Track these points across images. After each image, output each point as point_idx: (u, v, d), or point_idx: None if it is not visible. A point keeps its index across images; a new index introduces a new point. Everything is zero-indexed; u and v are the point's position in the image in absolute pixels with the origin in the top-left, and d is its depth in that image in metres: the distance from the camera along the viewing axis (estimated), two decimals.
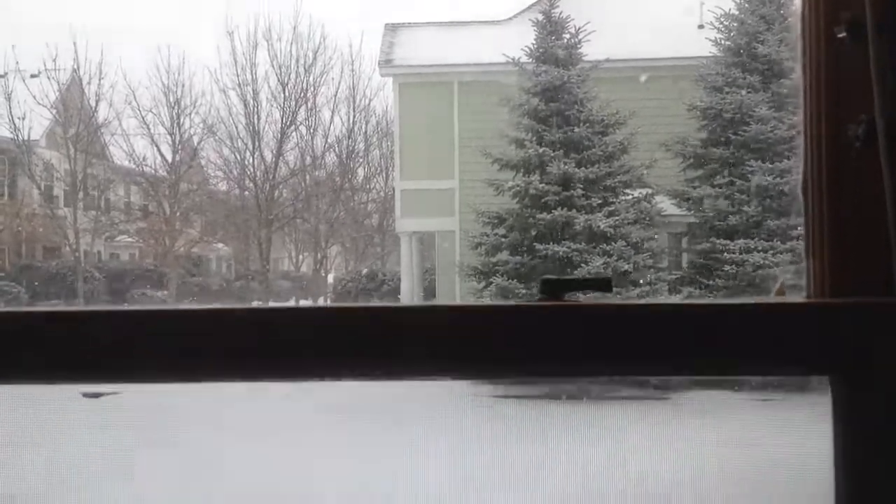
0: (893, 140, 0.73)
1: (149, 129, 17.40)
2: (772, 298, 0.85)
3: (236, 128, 18.32)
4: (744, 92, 12.43)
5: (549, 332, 0.81)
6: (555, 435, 9.04)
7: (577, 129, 12.72)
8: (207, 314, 0.84)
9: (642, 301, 0.72)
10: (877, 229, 0.78)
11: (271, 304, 18.30)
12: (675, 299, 12.17)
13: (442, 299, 15.74)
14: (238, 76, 18.12)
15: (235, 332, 0.82)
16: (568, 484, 6.63)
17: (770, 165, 11.92)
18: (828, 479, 0.85)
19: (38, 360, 0.82)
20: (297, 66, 18.33)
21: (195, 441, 9.42)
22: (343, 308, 0.86)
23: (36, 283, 15.68)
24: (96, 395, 11.60)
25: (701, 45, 13.28)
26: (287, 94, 18.40)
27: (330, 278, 20.47)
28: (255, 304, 19.12)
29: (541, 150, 12.69)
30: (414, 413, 10.88)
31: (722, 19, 13.26)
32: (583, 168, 12.44)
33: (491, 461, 8.02)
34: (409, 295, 16.84)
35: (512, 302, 0.89)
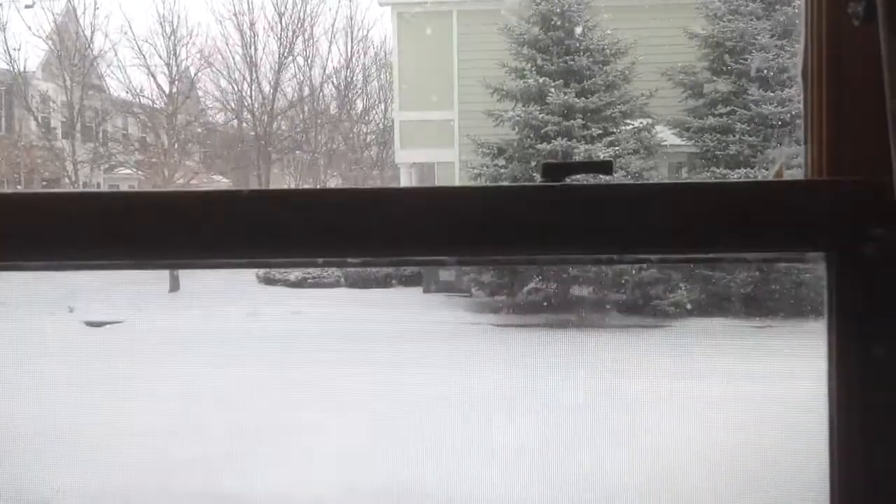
0: (894, 11, 0.74)
1: (145, 59, 17.22)
2: (770, 178, 0.86)
3: (233, 58, 18.14)
4: (746, 20, 12.30)
5: (551, 214, 0.83)
6: (554, 362, 9.13)
7: (577, 59, 12.60)
8: (218, 196, 0.85)
9: (644, 182, 0.73)
10: (874, 111, 0.79)
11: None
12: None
13: None
14: (234, 5, 17.89)
15: (242, 213, 0.83)
16: (564, 410, 6.72)
17: (772, 94, 11.84)
18: (822, 401, 0.87)
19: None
20: None
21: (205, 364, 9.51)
22: (347, 191, 0.87)
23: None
24: (98, 325, 11.71)
25: None
26: (284, 24, 18.17)
27: None
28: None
29: (541, 80, 12.59)
30: (415, 338, 10.98)
31: None
32: (583, 98, 12.35)
33: (488, 384, 8.11)
34: None
35: (514, 184, 0.90)
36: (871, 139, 0.80)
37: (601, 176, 0.84)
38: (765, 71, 11.91)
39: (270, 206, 0.85)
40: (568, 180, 0.84)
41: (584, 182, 0.83)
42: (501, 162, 12.88)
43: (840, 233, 0.82)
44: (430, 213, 0.85)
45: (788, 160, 0.84)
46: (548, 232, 0.85)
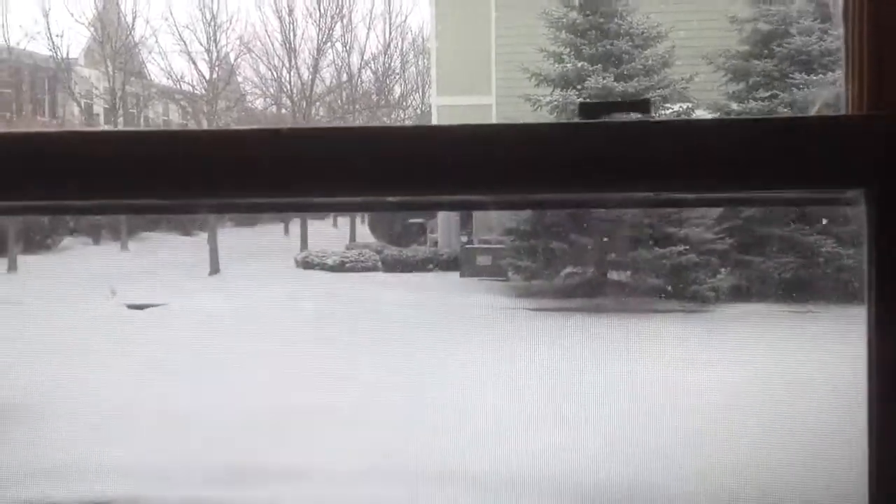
0: None
1: (186, 45, 17.38)
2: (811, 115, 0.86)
3: (272, 45, 18.25)
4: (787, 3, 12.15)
5: (588, 152, 0.83)
6: (591, 347, 9.10)
7: (616, 43, 12.50)
8: (257, 134, 0.87)
9: (682, 118, 0.72)
10: None
11: (309, 220, 18.44)
12: (715, 212, 12.09)
13: (479, 212, 15.78)
14: None
15: (275, 149, 0.85)
16: (601, 393, 6.70)
17: (815, 78, 11.68)
18: (863, 385, 0.86)
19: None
20: None
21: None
22: (372, 128, 0.88)
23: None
24: (141, 307, 11.87)
25: None
26: (322, 10, 18.24)
27: None
28: (295, 220, 19.29)
29: (579, 65, 12.53)
30: (452, 322, 11.01)
31: None
32: (622, 82, 12.27)
33: (524, 368, 8.12)
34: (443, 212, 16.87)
35: (552, 122, 0.91)
36: None
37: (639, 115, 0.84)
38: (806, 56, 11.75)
39: (308, 144, 0.86)
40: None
41: (622, 120, 0.84)
42: None
43: (880, 168, 0.82)
44: (467, 151, 0.86)
45: (827, 102, 0.84)
46: (585, 171, 0.85)
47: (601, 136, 0.84)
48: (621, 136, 0.84)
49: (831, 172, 0.83)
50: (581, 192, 0.88)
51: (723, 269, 11.86)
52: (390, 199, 0.89)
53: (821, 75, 11.76)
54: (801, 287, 11.31)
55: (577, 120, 0.86)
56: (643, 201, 0.97)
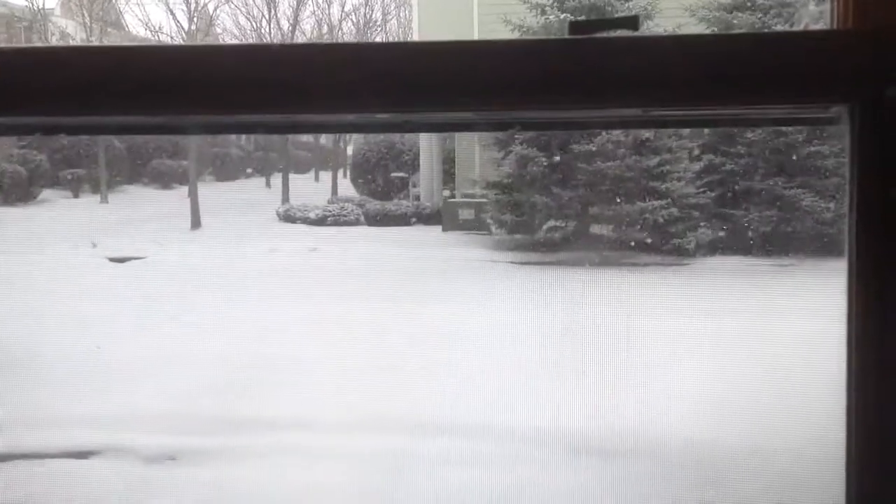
0: None
1: None
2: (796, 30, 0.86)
3: None
4: None
5: (577, 66, 0.84)
6: (572, 299, 9.16)
7: None
8: (249, 49, 0.87)
9: (670, 33, 0.73)
10: None
11: (291, 174, 18.35)
12: (697, 166, 12.13)
13: (461, 167, 15.76)
14: None
15: (264, 67, 0.85)
16: (581, 346, 6.75)
17: (798, 30, 11.67)
18: (842, 338, 0.87)
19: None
20: None
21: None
22: (364, 45, 0.89)
23: (56, 154, 15.75)
24: (122, 260, 11.83)
25: None
26: None
27: (349, 149, 20.43)
28: (276, 174, 19.17)
29: (562, 17, 12.44)
30: (435, 275, 11.04)
31: None
32: (604, 34, 12.20)
33: (507, 320, 8.17)
34: (427, 164, 16.81)
35: (539, 38, 0.91)
36: None
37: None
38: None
39: (296, 60, 0.86)
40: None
41: (609, 36, 0.84)
42: None
43: (864, 83, 0.83)
44: (453, 67, 0.86)
45: (814, 20, 0.84)
46: (574, 86, 0.85)
47: (590, 51, 0.84)
48: (610, 50, 0.84)
49: (816, 87, 0.84)
50: (569, 109, 0.88)
51: (703, 224, 11.93)
52: (379, 116, 0.89)
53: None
54: (781, 240, 11.40)
55: (567, 36, 0.86)
56: (631, 121, 0.97)
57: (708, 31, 12.76)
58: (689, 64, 0.83)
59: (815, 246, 10.98)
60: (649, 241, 11.74)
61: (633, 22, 0.83)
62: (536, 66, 0.85)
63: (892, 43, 0.81)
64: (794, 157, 11.57)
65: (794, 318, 7.34)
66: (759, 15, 12.17)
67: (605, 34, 0.84)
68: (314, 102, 0.86)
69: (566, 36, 0.86)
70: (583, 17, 12.35)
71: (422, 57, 0.85)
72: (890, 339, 0.86)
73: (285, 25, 18.31)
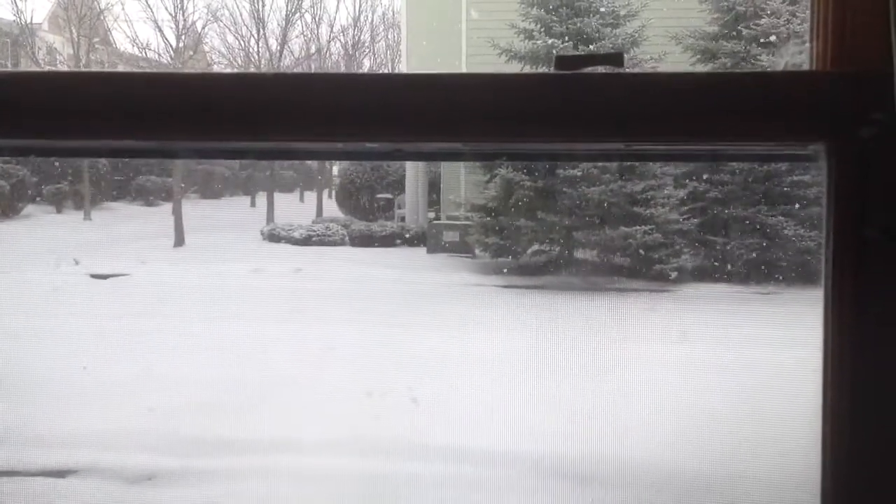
0: None
1: (152, 13, 17.21)
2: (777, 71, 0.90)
3: (241, 14, 18.12)
4: None
5: (563, 101, 0.86)
6: (556, 324, 9.18)
7: (586, 20, 12.54)
8: (243, 78, 0.88)
9: (653, 71, 0.75)
10: (881, 4, 0.81)
11: (276, 193, 18.35)
12: (681, 192, 12.21)
13: (447, 189, 15.81)
14: None
15: (257, 94, 0.86)
16: (564, 371, 6.77)
17: (781, 60, 11.80)
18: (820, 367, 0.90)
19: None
20: None
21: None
22: (356, 76, 0.91)
23: (42, 168, 15.70)
24: (104, 277, 11.77)
25: None
26: None
27: (335, 170, 20.46)
28: (261, 193, 19.13)
29: (549, 42, 12.55)
30: (419, 298, 11.04)
31: None
32: (591, 70, 12.29)
33: (491, 345, 8.18)
34: (413, 186, 16.86)
35: (525, 73, 0.93)
36: (876, 33, 0.83)
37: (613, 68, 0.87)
38: (773, 36, 11.87)
39: (289, 88, 0.88)
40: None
41: (595, 72, 0.87)
42: None
43: (841, 122, 0.85)
44: (440, 99, 0.88)
45: (793, 59, 0.87)
46: (559, 121, 0.88)
47: (576, 86, 0.87)
48: (595, 86, 0.87)
49: (795, 126, 0.86)
50: (555, 142, 0.91)
51: (686, 250, 12.00)
52: (368, 144, 0.91)
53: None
54: (764, 268, 11.49)
55: (553, 71, 0.88)
56: (614, 154, 1.00)
57: (693, 59, 12.91)
58: (670, 101, 0.86)
59: (797, 274, 11.07)
60: (633, 266, 11.81)
61: (618, 58, 0.85)
62: (524, 100, 0.87)
63: (869, 85, 0.84)
64: (777, 187, 11.69)
65: (775, 347, 7.38)
66: (744, 44, 12.31)
67: (590, 70, 0.86)
68: (305, 130, 0.88)
69: (553, 71, 0.89)
70: (569, 43, 12.46)
71: (412, 88, 0.87)
72: (863, 369, 0.88)
73: (274, 45, 18.36)
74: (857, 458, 0.87)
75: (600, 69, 0.87)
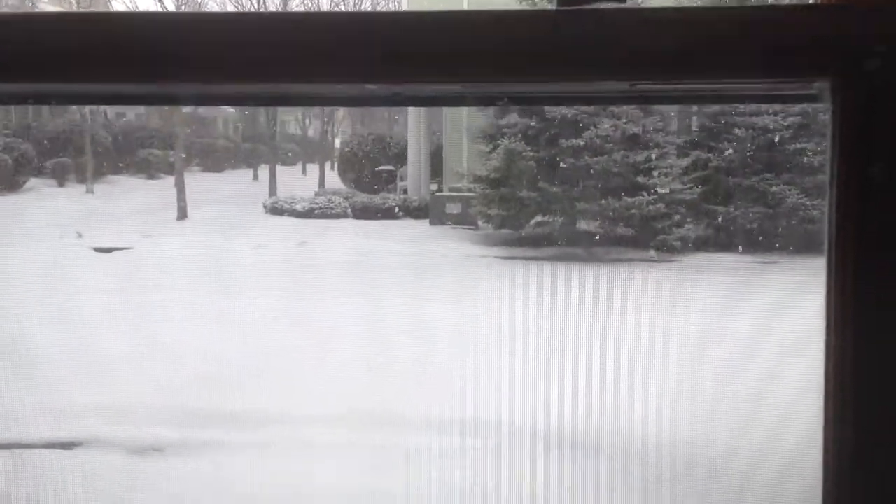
0: None
1: None
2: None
3: None
4: None
5: (565, 38, 0.84)
6: (557, 295, 9.19)
7: None
8: (221, 17, 0.87)
9: (657, 6, 0.74)
10: None
11: (278, 166, 18.30)
12: (684, 162, 12.17)
13: (449, 160, 15.76)
14: None
15: (255, 35, 0.85)
16: (567, 341, 6.77)
17: None
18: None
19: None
20: None
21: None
22: (353, 14, 0.89)
23: (44, 141, 15.68)
24: (107, 251, 11.78)
25: None
26: None
27: (337, 142, 20.42)
28: (263, 166, 19.07)
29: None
30: (422, 269, 11.05)
31: None
32: (594, 5, 12.18)
33: (494, 315, 8.20)
34: (415, 157, 16.82)
35: (528, 9, 0.92)
36: None
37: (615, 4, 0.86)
38: None
39: (287, 28, 0.87)
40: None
41: (601, 6, 0.85)
42: None
43: (845, 56, 0.83)
44: (441, 38, 0.86)
45: None
46: (559, 59, 0.86)
47: (579, 22, 0.85)
48: (599, 21, 0.85)
49: (801, 62, 0.85)
50: (558, 82, 0.89)
51: (689, 220, 11.98)
52: (368, 87, 0.90)
53: None
54: (766, 237, 11.46)
55: (555, 7, 0.87)
56: (618, 96, 0.98)
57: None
58: (675, 37, 0.84)
59: (800, 242, 11.04)
60: (635, 236, 11.79)
61: None
62: (525, 37, 0.85)
63: (872, 15, 0.83)
64: (780, 154, 11.63)
65: (776, 315, 7.39)
66: None
67: (593, 5, 0.85)
68: (304, 72, 0.87)
69: (556, 7, 0.87)
70: None
71: (410, 26, 0.85)
72: (866, 313, 0.87)
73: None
74: (862, 411, 0.87)
75: (604, 4, 0.85)
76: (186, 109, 17.53)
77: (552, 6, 0.86)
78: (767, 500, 4.17)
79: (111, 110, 19.16)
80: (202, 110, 19.11)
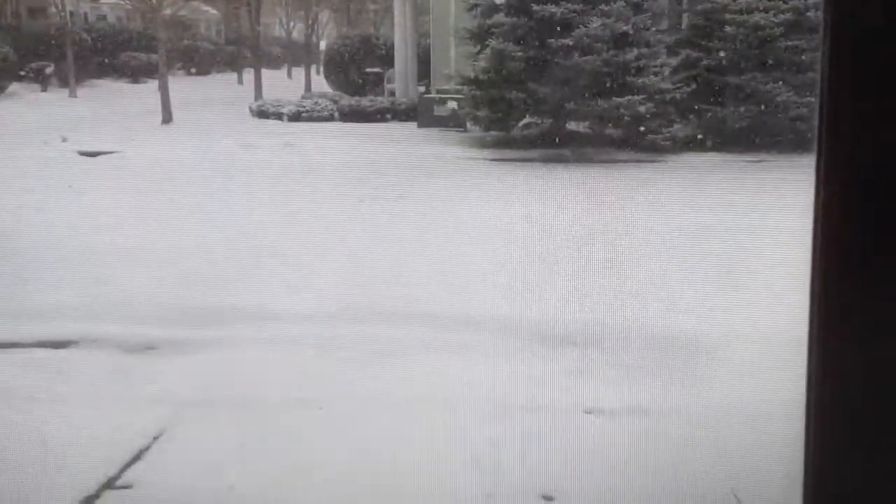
0: None
1: None
2: None
3: None
4: None
5: None
6: (547, 194, 9.17)
7: None
8: None
9: None
10: None
11: (263, 70, 18.01)
12: (674, 61, 12.04)
13: (437, 62, 15.53)
14: None
15: None
16: (554, 240, 6.79)
17: None
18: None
19: None
20: None
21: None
22: None
23: (26, 45, 15.36)
24: (93, 155, 11.69)
25: None
26: None
27: (322, 44, 20.05)
28: (248, 70, 18.81)
29: None
30: (411, 171, 11.02)
31: None
32: None
33: (483, 215, 8.21)
34: (402, 59, 16.57)
35: None
36: None
37: None
38: None
39: None
40: None
41: None
42: None
43: None
44: None
45: None
46: None
47: None
48: None
49: None
50: None
51: (679, 119, 11.90)
52: None
53: None
54: (756, 135, 11.43)
55: None
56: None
57: None
58: None
59: (790, 141, 11.02)
60: (625, 137, 11.74)
61: None
62: None
63: None
64: (772, 52, 11.51)
65: (765, 213, 7.42)
66: None
67: None
68: None
69: None
70: None
71: None
72: (855, 206, 0.87)
73: None
74: (845, 304, 0.87)
75: None
76: (167, 11, 17.14)
77: None
78: (751, 378, 4.27)
79: (91, 13, 18.74)
80: (184, 12, 18.69)
